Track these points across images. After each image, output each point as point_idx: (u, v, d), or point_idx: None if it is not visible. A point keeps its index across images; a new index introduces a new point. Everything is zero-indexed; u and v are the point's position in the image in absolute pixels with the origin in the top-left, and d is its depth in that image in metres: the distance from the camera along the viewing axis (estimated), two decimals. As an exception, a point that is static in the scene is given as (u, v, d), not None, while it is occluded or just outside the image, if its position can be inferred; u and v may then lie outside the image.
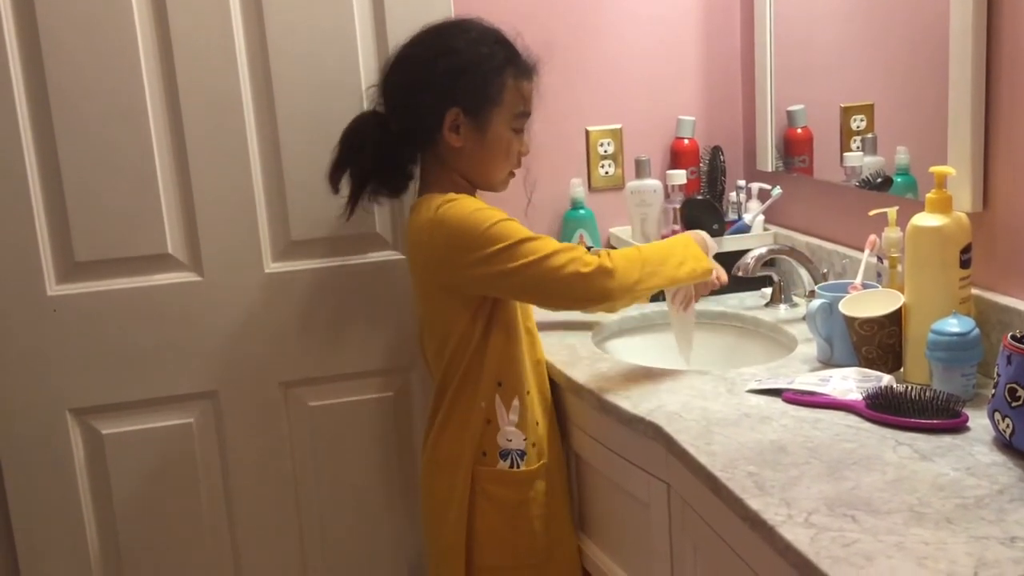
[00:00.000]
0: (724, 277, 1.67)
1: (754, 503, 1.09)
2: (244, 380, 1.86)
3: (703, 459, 1.22)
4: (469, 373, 1.58)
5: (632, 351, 1.85)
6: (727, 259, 1.81)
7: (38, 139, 1.71)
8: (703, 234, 1.70)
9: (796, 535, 1.01)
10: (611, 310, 1.72)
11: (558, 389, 1.70)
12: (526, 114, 1.61)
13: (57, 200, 1.73)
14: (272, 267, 1.85)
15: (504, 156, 1.60)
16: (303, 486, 1.93)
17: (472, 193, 1.61)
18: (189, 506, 1.87)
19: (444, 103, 1.54)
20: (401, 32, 1.66)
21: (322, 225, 1.84)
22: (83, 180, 1.73)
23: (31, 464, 1.79)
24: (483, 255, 1.48)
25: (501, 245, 1.48)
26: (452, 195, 1.54)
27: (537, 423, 1.62)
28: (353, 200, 1.62)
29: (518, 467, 1.60)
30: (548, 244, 1.50)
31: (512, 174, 1.65)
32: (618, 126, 2.13)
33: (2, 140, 1.69)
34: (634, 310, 1.92)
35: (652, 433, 1.36)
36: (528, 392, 1.61)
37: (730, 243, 1.96)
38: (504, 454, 1.60)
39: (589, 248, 2.00)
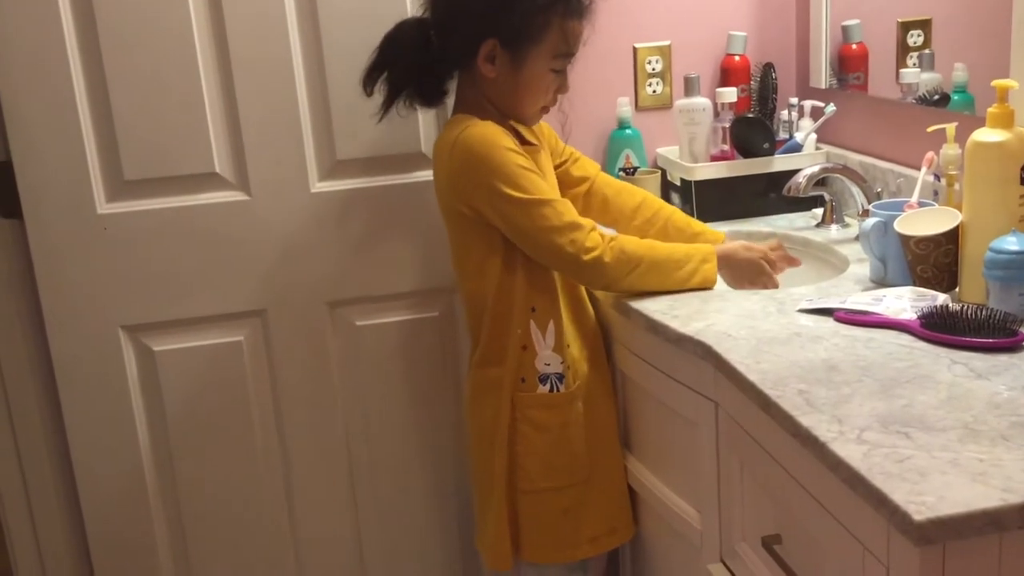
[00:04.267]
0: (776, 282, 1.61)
1: (805, 420, 1.09)
2: (292, 299, 1.88)
3: (753, 377, 1.21)
4: (501, 300, 1.58)
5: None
6: (779, 178, 1.78)
7: (85, 59, 1.72)
8: (736, 245, 1.61)
9: (848, 451, 1.01)
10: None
11: (602, 308, 1.69)
12: (569, 55, 1.56)
13: (105, 119, 1.74)
14: (318, 187, 1.85)
15: (538, 93, 1.57)
16: (350, 404, 1.96)
17: (502, 121, 1.58)
18: (240, 422, 1.92)
19: (482, 32, 1.51)
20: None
21: (367, 145, 1.84)
22: (130, 99, 1.74)
23: (85, 381, 1.83)
24: (500, 191, 1.47)
25: (521, 195, 1.47)
26: (475, 120, 1.52)
27: (568, 345, 1.62)
28: (387, 104, 1.59)
29: (557, 390, 1.61)
30: (562, 215, 1.48)
31: (546, 109, 1.62)
32: (667, 43, 2.09)
33: (50, 61, 1.69)
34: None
35: (701, 352, 1.36)
36: (563, 315, 1.61)
37: (781, 162, 1.92)
38: (543, 378, 1.60)
39: (633, 170, 1.98)
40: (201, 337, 1.87)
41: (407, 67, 1.56)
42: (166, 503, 1.92)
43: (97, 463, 1.87)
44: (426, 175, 1.86)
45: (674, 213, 1.76)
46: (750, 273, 1.60)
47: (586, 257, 1.49)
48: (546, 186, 1.52)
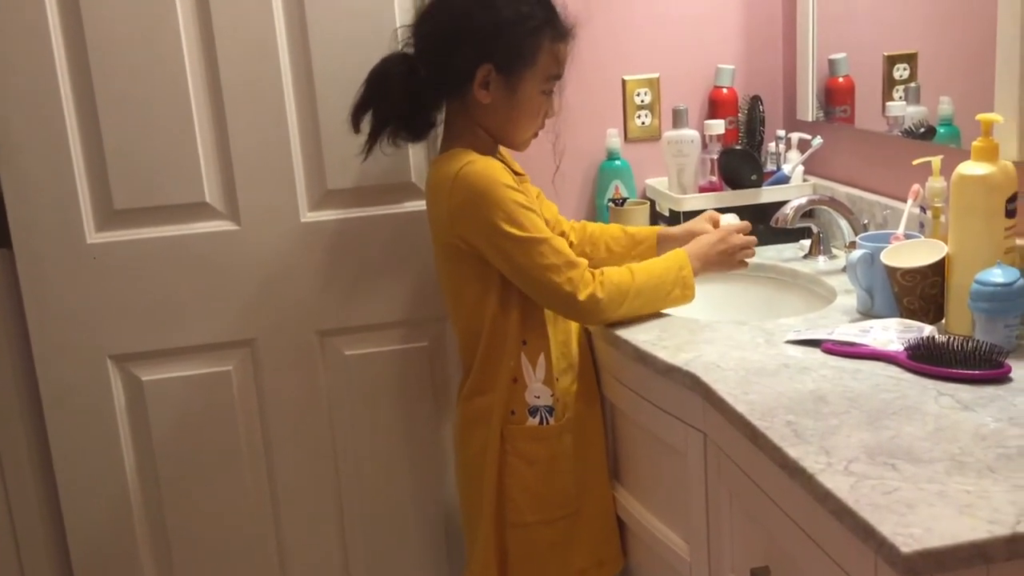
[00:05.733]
0: (751, 252, 1.68)
1: (793, 451, 1.09)
2: (281, 328, 1.87)
3: (741, 408, 1.21)
4: (494, 333, 1.58)
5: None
6: (767, 210, 1.79)
7: (76, 88, 1.72)
8: (703, 243, 1.66)
9: (836, 483, 1.01)
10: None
11: (592, 339, 1.70)
12: (558, 76, 1.58)
13: (95, 148, 1.74)
14: (308, 216, 1.85)
15: (532, 116, 1.59)
16: (340, 434, 1.95)
17: (494, 150, 1.60)
18: (228, 452, 1.90)
19: (478, 58, 1.52)
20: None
21: (357, 175, 1.85)
22: (121, 128, 1.74)
23: (73, 410, 1.82)
24: (501, 228, 1.48)
25: (520, 233, 1.48)
26: (475, 155, 1.52)
27: (558, 378, 1.62)
28: (372, 140, 1.60)
29: (547, 423, 1.61)
30: (559, 253, 1.49)
31: (536, 134, 1.64)
32: (655, 75, 2.10)
33: (42, 89, 1.70)
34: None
35: (690, 383, 1.36)
36: (553, 349, 1.61)
37: (769, 194, 1.94)
38: (533, 411, 1.60)
39: (622, 201, 1.99)
40: (190, 367, 1.86)
41: (395, 102, 1.57)
42: (153, 533, 1.90)
43: (84, 493, 1.85)
44: (416, 205, 1.87)
45: (605, 227, 1.82)
46: (723, 266, 1.66)
47: (583, 296, 1.49)
48: (543, 224, 1.52)
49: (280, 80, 1.79)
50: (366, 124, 1.59)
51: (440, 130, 1.64)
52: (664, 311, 1.60)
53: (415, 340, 1.95)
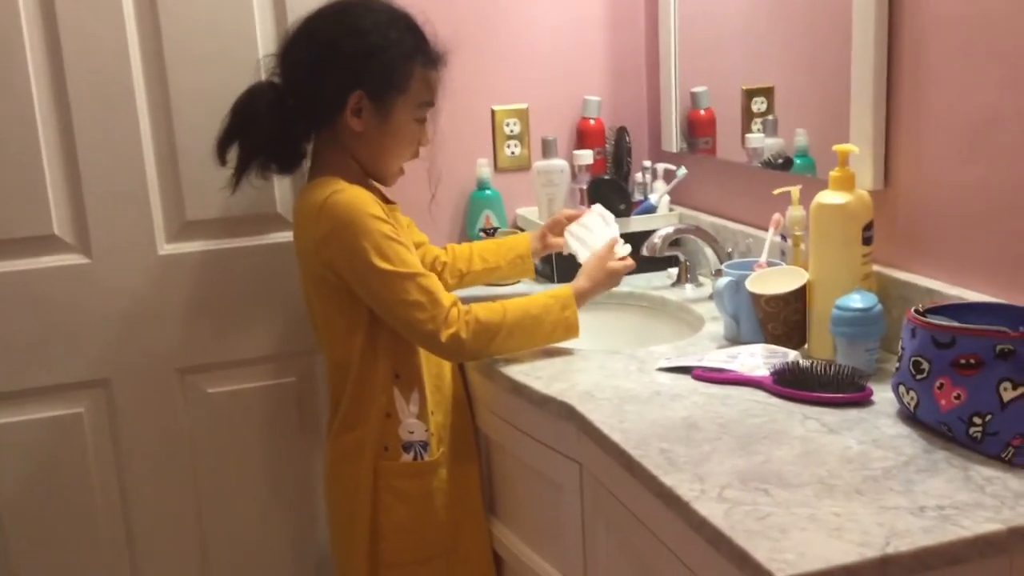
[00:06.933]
0: (631, 262, 1.67)
1: (667, 479, 1.09)
2: (138, 367, 1.79)
3: (616, 437, 1.21)
4: (364, 366, 1.53)
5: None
6: (635, 239, 1.80)
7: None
8: (604, 270, 1.64)
9: (710, 510, 1.01)
10: None
11: (466, 372, 1.67)
12: (430, 104, 1.57)
13: (-70, 178, 1.62)
14: (166, 248, 1.78)
15: (404, 145, 1.56)
16: (203, 477, 1.87)
17: (364, 181, 1.56)
18: (81, 500, 1.80)
19: (348, 85, 1.49)
20: (300, 2, 1.61)
21: (219, 205, 1.78)
22: (-41, 156, 1.63)
23: (-95, 460, 1.68)
24: (366, 259, 1.43)
25: (386, 266, 1.44)
26: (343, 184, 1.48)
27: (432, 412, 1.59)
28: (239, 173, 1.54)
29: (421, 459, 1.57)
30: (425, 290, 1.46)
31: (402, 170, 1.61)
32: (524, 106, 2.11)
33: None
34: (542, 289, 1.90)
35: (564, 413, 1.35)
36: (426, 382, 1.58)
37: (637, 223, 1.96)
38: (407, 447, 1.56)
39: (493, 230, 1.98)
40: (38, 410, 1.75)
41: (263, 133, 1.52)
42: (-4, 591, 1.77)
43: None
44: (282, 236, 1.81)
45: (475, 243, 1.83)
46: (610, 286, 1.66)
47: (444, 336, 1.46)
48: (412, 259, 1.48)
49: (134, 102, 1.70)
50: (232, 155, 1.53)
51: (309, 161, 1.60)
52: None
53: (283, 375, 1.89)
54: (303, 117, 1.53)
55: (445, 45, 1.57)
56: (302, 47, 1.53)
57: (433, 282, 1.48)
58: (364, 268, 1.44)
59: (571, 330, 1.56)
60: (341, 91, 1.49)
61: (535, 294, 1.58)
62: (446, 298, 1.48)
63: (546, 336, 1.54)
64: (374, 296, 1.47)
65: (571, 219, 1.78)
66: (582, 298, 1.59)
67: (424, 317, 1.46)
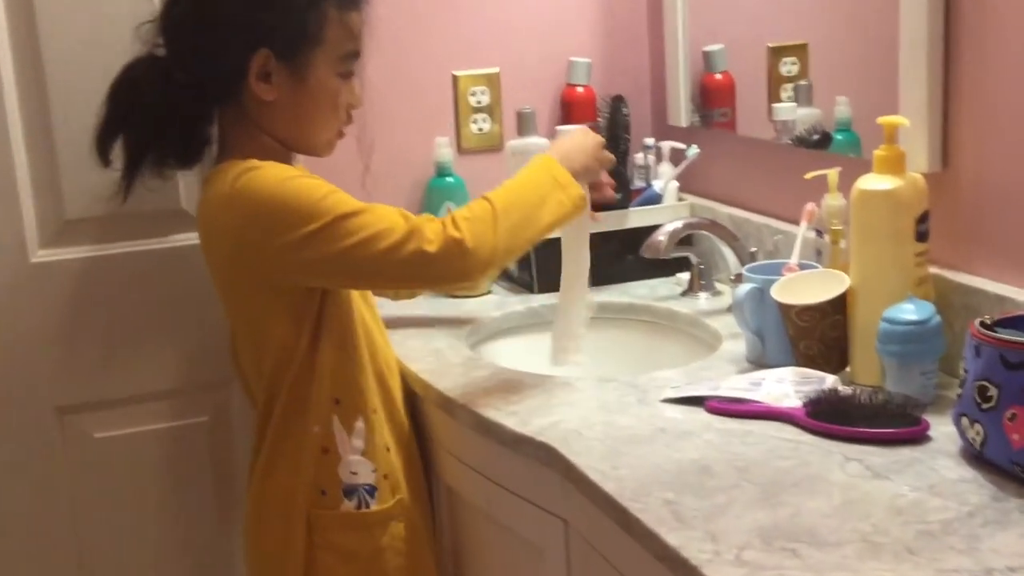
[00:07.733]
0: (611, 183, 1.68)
1: (673, 538, 1.09)
2: (4, 404, 1.78)
3: (609, 486, 1.22)
4: (296, 391, 1.54)
5: (517, 355, 1.85)
6: (635, 236, 1.82)
7: None
8: (573, 132, 1.66)
9: (726, 576, 1.02)
10: (473, 289, 1.71)
11: (423, 406, 1.68)
12: (355, 54, 1.57)
13: None
14: (40, 255, 1.79)
15: (330, 109, 1.57)
16: (88, 541, 1.87)
17: (287, 159, 1.57)
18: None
19: (248, 44, 1.49)
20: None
21: (108, 200, 1.77)
22: None
23: None
24: (297, 237, 1.44)
25: (320, 223, 1.44)
26: (255, 162, 1.49)
27: (388, 448, 1.59)
28: (129, 174, 1.56)
29: (367, 507, 1.57)
30: (380, 217, 1.46)
31: (341, 133, 1.62)
32: (495, 70, 2.12)
33: None
34: (519, 304, 1.92)
35: (544, 457, 1.36)
36: (374, 411, 1.59)
37: (637, 217, 1.97)
38: (349, 491, 1.57)
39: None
40: None
41: (151, 120, 1.53)
42: None
43: None
44: (187, 238, 1.82)
45: None
46: (588, 168, 1.61)
47: (434, 247, 1.43)
48: (352, 199, 1.48)
49: (-1, 81, 1.71)
50: (118, 152, 1.54)
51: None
52: (520, 368, 1.59)
53: (191, 414, 1.90)
54: (197, 93, 1.53)
55: None
56: (184, 4, 1.53)
57: (388, 208, 1.48)
58: (303, 244, 1.44)
59: (570, 187, 1.54)
60: (240, 54, 1.49)
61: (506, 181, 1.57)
62: (410, 215, 1.48)
63: (543, 204, 1.52)
64: (331, 262, 1.45)
65: None
66: (565, 161, 1.58)
67: (399, 239, 1.44)
